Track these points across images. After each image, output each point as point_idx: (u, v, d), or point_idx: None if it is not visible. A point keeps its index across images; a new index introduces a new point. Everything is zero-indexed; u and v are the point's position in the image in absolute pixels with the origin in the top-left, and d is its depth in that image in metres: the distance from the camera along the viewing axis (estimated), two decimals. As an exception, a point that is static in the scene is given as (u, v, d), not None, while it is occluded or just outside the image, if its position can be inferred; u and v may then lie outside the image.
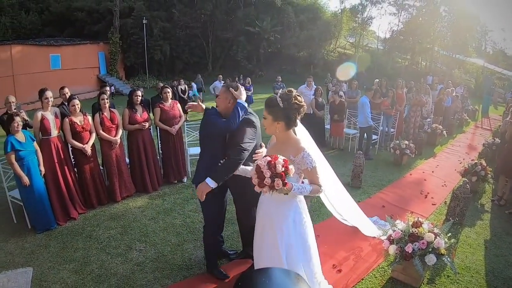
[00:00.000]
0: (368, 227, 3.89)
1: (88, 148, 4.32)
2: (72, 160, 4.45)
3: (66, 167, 4.16)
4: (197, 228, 4.13)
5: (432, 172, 6.70)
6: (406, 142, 7.02)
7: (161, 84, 6.47)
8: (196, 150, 6.21)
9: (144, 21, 21.97)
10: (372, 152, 7.67)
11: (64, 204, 4.13)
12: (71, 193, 4.22)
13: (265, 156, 2.14)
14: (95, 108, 4.78)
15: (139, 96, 4.97)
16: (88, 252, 3.59)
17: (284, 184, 1.97)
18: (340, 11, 30.01)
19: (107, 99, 4.57)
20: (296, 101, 2.22)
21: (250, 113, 2.86)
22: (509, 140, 5.11)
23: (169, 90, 5.44)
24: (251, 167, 2.07)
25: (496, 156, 6.63)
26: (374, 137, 7.79)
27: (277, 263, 2.33)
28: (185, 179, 5.68)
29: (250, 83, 13.06)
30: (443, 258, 3.05)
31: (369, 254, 3.74)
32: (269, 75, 24.74)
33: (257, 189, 2.04)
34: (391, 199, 5.27)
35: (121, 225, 4.16)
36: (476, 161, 5.61)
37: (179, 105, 5.61)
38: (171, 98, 5.46)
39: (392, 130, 8.39)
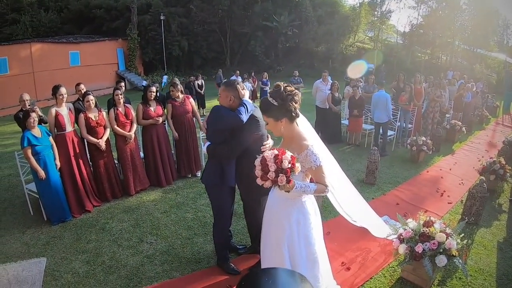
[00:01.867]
0: (378, 228, 3.82)
1: (102, 142, 4.44)
2: (88, 154, 4.59)
3: (81, 161, 4.31)
4: (208, 222, 4.19)
5: (450, 169, 6.49)
6: (423, 138, 6.82)
7: (175, 81, 6.52)
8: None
9: (162, 17, 22.15)
10: (388, 148, 7.51)
11: (79, 197, 4.28)
12: (86, 186, 4.37)
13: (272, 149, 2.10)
14: (110, 103, 4.90)
15: (153, 92, 5.05)
16: (101, 244, 3.72)
17: (288, 181, 1.92)
18: (358, 4, 29.29)
19: (121, 94, 4.67)
20: (287, 92, 2.17)
21: (255, 106, 2.87)
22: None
23: (173, 88, 5.36)
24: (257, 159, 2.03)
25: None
26: (390, 133, 7.62)
27: (279, 262, 2.30)
28: (198, 173, 5.74)
29: (267, 78, 12.99)
30: (454, 260, 2.96)
31: (379, 254, 3.69)
32: (287, 69, 24.54)
33: (258, 181, 1.99)
34: (405, 197, 5.16)
35: (134, 218, 4.28)
36: (495, 159, 5.39)
37: (191, 100, 5.66)
38: (181, 93, 5.46)
39: (409, 126, 8.17)
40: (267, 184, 1.95)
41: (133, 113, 4.91)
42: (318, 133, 2.92)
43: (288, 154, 1.95)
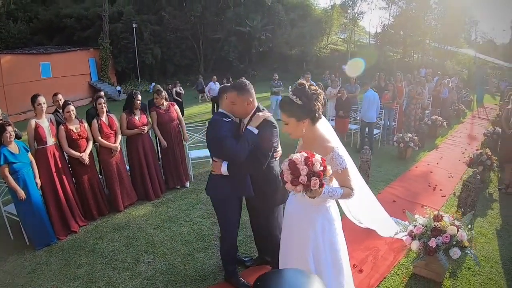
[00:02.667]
0: (384, 227, 3.74)
1: (85, 156, 4.09)
2: (69, 169, 4.22)
3: (64, 177, 3.93)
4: (206, 235, 3.95)
5: (437, 164, 6.62)
6: (410, 135, 6.93)
7: (159, 87, 6.25)
8: (198, 153, 6.04)
9: (134, 25, 21.74)
10: (374, 146, 7.58)
11: (64, 217, 3.90)
12: (70, 205, 3.99)
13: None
14: (90, 114, 4.56)
15: (140, 100, 4.77)
16: (93, 268, 3.37)
17: (321, 185, 1.77)
18: (330, 7, 30.00)
19: (104, 103, 4.35)
20: (312, 91, 2.04)
21: (263, 109, 2.69)
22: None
23: (157, 95, 5.12)
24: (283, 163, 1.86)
25: (499, 145, 6.56)
26: (376, 131, 7.69)
27: (305, 269, 2.17)
28: (187, 184, 5.50)
29: (246, 83, 12.86)
30: (467, 251, 2.97)
31: (387, 252, 3.63)
32: (262, 74, 24.71)
33: (288, 187, 1.83)
34: (400, 194, 5.16)
35: (126, 236, 3.95)
36: (482, 151, 5.53)
37: (176, 107, 5.42)
38: (165, 100, 5.21)
39: (393, 123, 8.31)
40: (299, 189, 1.79)
41: (117, 123, 4.60)
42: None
43: (318, 156, 1.81)
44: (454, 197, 5.08)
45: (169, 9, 24.25)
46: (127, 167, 4.99)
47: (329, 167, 1.83)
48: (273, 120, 2.64)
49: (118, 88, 21.20)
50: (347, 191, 2.03)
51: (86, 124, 4.21)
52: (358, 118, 7.82)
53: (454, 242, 2.94)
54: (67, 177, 3.97)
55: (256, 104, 2.65)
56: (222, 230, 2.97)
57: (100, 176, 4.78)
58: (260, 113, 2.54)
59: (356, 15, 29.60)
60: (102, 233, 4.03)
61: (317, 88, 2.08)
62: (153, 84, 17.23)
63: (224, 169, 2.59)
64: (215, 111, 12.70)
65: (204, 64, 26.34)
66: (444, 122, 8.67)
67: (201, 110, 14.53)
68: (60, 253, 3.66)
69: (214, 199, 2.87)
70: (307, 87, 2.04)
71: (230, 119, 2.67)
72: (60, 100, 4.55)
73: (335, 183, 2.13)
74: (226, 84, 2.73)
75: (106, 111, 4.45)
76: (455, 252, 2.89)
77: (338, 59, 27.30)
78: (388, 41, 27.65)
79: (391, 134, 8.08)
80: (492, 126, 7.72)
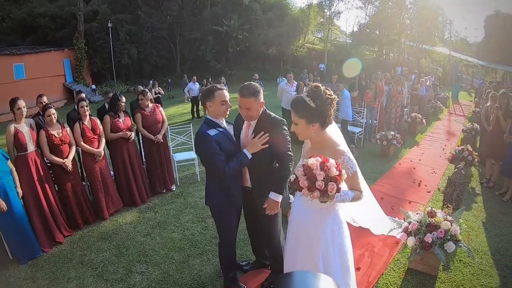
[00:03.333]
0: (378, 226, 3.78)
1: (68, 163, 3.86)
2: (52, 177, 3.97)
3: (47, 186, 3.67)
4: (199, 240, 3.84)
5: (420, 160, 6.80)
6: (392, 132, 7.08)
7: (141, 88, 6.04)
8: (182, 156, 5.89)
9: (110, 25, 21.13)
10: (357, 145, 7.71)
11: (48, 228, 3.65)
12: (54, 214, 3.74)
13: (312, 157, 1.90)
14: (71, 117, 4.32)
15: (124, 101, 4.57)
16: (83, 281, 3.17)
17: (338, 190, 1.75)
18: (307, 6, 30.37)
19: (87, 106, 4.12)
20: (327, 95, 2.01)
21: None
22: (494, 125, 5.26)
23: (143, 96, 4.97)
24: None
25: (479, 141, 6.85)
26: (358, 129, 7.81)
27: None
28: (173, 187, 5.35)
29: (225, 82, 12.76)
30: (460, 244, 3.07)
31: (382, 249, 3.68)
32: (239, 74, 24.69)
33: (305, 193, 1.79)
34: (387, 191, 5.25)
35: (115, 246, 3.76)
36: (463, 147, 5.73)
37: (161, 108, 5.26)
38: (150, 101, 5.07)
39: (374, 122, 8.48)
40: (316, 195, 1.75)
41: (101, 127, 4.38)
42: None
43: (332, 161, 1.79)
44: (438, 192, 5.23)
45: (145, 8, 23.79)
46: (111, 172, 4.78)
47: (343, 171, 1.82)
48: (276, 115, 2.59)
49: (93, 86, 20.47)
50: (357, 194, 2.03)
51: (68, 129, 3.97)
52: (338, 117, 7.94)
53: (449, 237, 3.03)
54: (49, 185, 3.72)
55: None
56: (220, 236, 2.88)
57: (83, 182, 4.55)
58: (257, 140, 2.44)
59: (333, 15, 30.14)
60: (89, 243, 3.82)
61: (332, 93, 2.04)
62: (151, 81, 16.51)
63: (280, 201, 2.56)
64: (195, 111, 12.53)
65: (181, 64, 26.03)
66: (424, 119, 8.96)
67: (179, 111, 14.26)
68: (46, 266, 3.43)
69: (212, 209, 2.81)
70: (322, 90, 2.01)
71: (218, 130, 2.53)
72: (44, 102, 4.27)
73: (343, 186, 2.12)
74: (212, 85, 2.57)
75: (89, 114, 4.22)
76: (450, 246, 2.98)
77: (315, 58, 27.72)
78: (364, 40, 28.36)
79: (373, 133, 8.25)
80: (470, 122, 8.03)
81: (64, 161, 3.82)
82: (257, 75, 13.01)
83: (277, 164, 2.57)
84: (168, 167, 5.29)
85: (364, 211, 3.20)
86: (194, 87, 12.82)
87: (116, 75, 22.27)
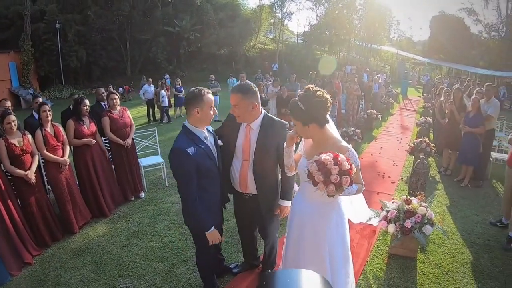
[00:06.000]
0: (358, 215, 3.95)
1: (31, 174, 3.47)
2: (14, 191, 3.52)
3: (10, 202, 3.25)
4: (180, 247, 3.69)
5: (380, 153, 7.24)
6: (353, 128, 7.44)
7: (102, 90, 5.65)
8: (149, 160, 5.64)
9: (57, 25, 19.67)
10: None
11: (15, 249, 3.22)
12: (20, 233, 3.32)
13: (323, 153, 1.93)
14: (29, 124, 3.90)
15: (88, 105, 4.23)
16: (63, 304, 2.89)
17: (351, 183, 1.82)
18: (259, 7, 30.76)
19: (49, 110, 3.74)
20: (316, 98, 2.04)
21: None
22: (450, 117, 5.79)
23: (116, 96, 4.78)
24: (310, 162, 1.85)
25: (435, 133, 7.49)
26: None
27: (320, 266, 2.19)
28: (142, 194, 5.10)
29: (181, 84, 12.46)
30: (436, 227, 3.33)
31: (361, 239, 3.86)
32: (190, 75, 24.45)
33: (321, 187, 1.83)
34: (355, 184, 5.50)
35: (91, 261, 3.46)
36: (421, 139, 6.21)
37: (129, 112, 4.99)
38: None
39: (333, 119, 8.85)
40: (331, 188, 1.79)
41: (64, 134, 4.01)
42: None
43: (342, 156, 1.86)
44: (402, 182, 5.63)
45: (95, 8, 22.65)
46: (77, 182, 4.40)
47: (353, 165, 1.89)
48: (280, 119, 2.57)
49: (31, 90, 18.72)
50: (359, 186, 2.10)
51: (30, 136, 3.56)
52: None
53: (426, 221, 3.28)
54: (12, 201, 3.30)
55: (260, 108, 2.50)
56: (198, 249, 2.71)
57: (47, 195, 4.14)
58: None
59: (284, 16, 30.94)
60: (61, 261, 3.46)
61: (323, 94, 2.07)
62: (167, 75, 14.94)
63: (289, 206, 2.61)
64: (150, 114, 12.04)
65: (131, 66, 25.00)
66: (379, 115, 9.57)
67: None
68: (18, 292, 3.05)
69: (191, 230, 2.64)
70: (312, 93, 2.04)
71: (199, 146, 2.31)
72: (9, 107, 3.78)
73: None
74: (197, 89, 2.39)
75: (51, 120, 3.84)
76: (428, 229, 3.23)
77: (267, 58, 28.21)
78: (315, 40, 29.49)
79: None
80: (422, 116, 8.72)
81: (26, 173, 3.43)
82: (213, 76, 12.85)
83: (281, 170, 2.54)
84: (137, 172, 5.04)
85: (349, 200, 3.35)
86: (149, 90, 12.35)
87: (64, 79, 20.77)
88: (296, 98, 2.09)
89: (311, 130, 2.09)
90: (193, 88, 2.33)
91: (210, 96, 2.34)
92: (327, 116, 2.13)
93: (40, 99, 4.31)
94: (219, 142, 2.56)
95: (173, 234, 3.99)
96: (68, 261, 3.47)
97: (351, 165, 1.84)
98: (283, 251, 2.53)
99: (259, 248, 3.25)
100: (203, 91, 2.29)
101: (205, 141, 2.38)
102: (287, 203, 2.64)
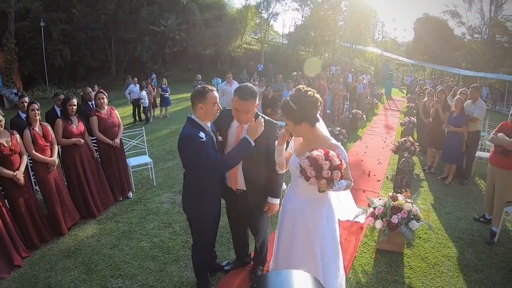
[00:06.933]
0: (346, 212, 4.05)
1: (20, 175, 3.41)
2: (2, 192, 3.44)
3: (-1, 203, 3.20)
4: (170, 246, 3.70)
5: (365, 153, 7.40)
6: (338, 128, 7.58)
7: (89, 89, 5.58)
8: (137, 160, 5.60)
9: (42, 24, 19.07)
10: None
11: (5, 251, 3.15)
12: (11, 234, 3.25)
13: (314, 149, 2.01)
14: (16, 124, 3.82)
15: (75, 105, 4.18)
16: (56, 306, 2.85)
17: (341, 177, 1.90)
18: (244, 7, 30.78)
19: (38, 109, 3.68)
20: (307, 98, 2.12)
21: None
22: (434, 117, 5.99)
23: (104, 95, 4.74)
24: (302, 160, 1.92)
25: (418, 132, 7.71)
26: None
27: (312, 262, 2.27)
28: (130, 194, 5.07)
29: (167, 84, 12.38)
30: (421, 222, 3.45)
31: (348, 235, 3.96)
32: (176, 75, 24.28)
33: (313, 181, 1.91)
34: (341, 183, 5.61)
35: (81, 263, 3.43)
36: (405, 138, 6.39)
37: (116, 111, 4.95)
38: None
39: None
40: (323, 182, 1.87)
41: (52, 133, 3.95)
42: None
43: (332, 152, 1.95)
44: (387, 180, 5.79)
45: (80, 6, 22.09)
46: (65, 183, 4.34)
47: (343, 161, 1.98)
48: (269, 118, 2.60)
49: (14, 90, 18.17)
50: (348, 182, 2.19)
51: (18, 136, 3.49)
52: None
53: (412, 216, 3.40)
54: (1, 202, 3.24)
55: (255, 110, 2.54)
56: (195, 241, 2.77)
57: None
58: (257, 123, 2.38)
59: (270, 16, 31.08)
60: (51, 263, 3.41)
61: (314, 94, 2.14)
62: (154, 75, 14.17)
63: (278, 203, 2.65)
64: (136, 114, 11.89)
65: (116, 66, 24.61)
66: (364, 115, 9.77)
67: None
68: (8, 295, 2.99)
69: (190, 220, 2.73)
70: (303, 93, 2.11)
71: (206, 134, 2.42)
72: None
73: None
74: (203, 86, 2.48)
75: (40, 120, 3.77)
76: (414, 224, 3.35)
77: (252, 58, 28.25)
78: (300, 41, 29.74)
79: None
80: (406, 116, 8.96)
81: (15, 174, 3.37)
82: (199, 76, 12.80)
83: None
84: (125, 173, 5.00)
85: (336, 198, 3.44)
86: (135, 89, 12.16)
87: (49, 79, 20.21)
88: (288, 98, 2.15)
89: (303, 129, 2.16)
90: (199, 86, 2.49)
91: (214, 93, 2.43)
92: (318, 115, 2.21)
93: (27, 99, 4.22)
94: (219, 138, 2.60)
95: (163, 233, 3.99)
96: (58, 262, 3.43)
97: (341, 161, 1.93)
98: (274, 247, 2.60)
99: (250, 245, 3.29)
100: (207, 88, 2.42)
101: (210, 133, 2.48)
102: (276, 201, 2.67)
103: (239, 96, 2.32)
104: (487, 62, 26.76)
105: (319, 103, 2.17)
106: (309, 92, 2.14)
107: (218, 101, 2.46)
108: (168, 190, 5.31)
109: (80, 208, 4.32)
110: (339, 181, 1.94)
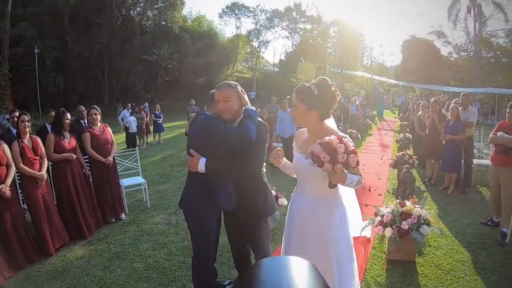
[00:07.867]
0: (353, 226, 3.88)
1: (6, 188, 3.19)
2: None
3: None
4: (166, 267, 3.44)
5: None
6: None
7: (82, 108, 5.46)
8: (130, 181, 5.38)
9: (36, 50, 19.29)
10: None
11: None
12: None
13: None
14: (6, 138, 3.65)
15: (69, 119, 4.05)
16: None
17: (357, 163, 1.78)
18: (236, 36, 31.68)
19: (28, 121, 3.52)
20: (331, 89, 2.04)
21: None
22: (431, 128, 6.00)
23: (97, 111, 4.61)
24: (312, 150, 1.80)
25: (413, 147, 7.73)
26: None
27: (327, 268, 2.06)
28: (123, 216, 4.81)
29: (160, 110, 12.38)
30: (432, 227, 3.33)
31: (357, 247, 3.71)
32: (168, 104, 24.37)
33: (327, 167, 1.76)
34: (343, 199, 5.49)
35: (69, 284, 3.13)
36: (403, 152, 6.36)
37: (109, 128, 4.81)
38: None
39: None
40: (338, 167, 1.74)
41: (42, 147, 3.77)
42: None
43: (346, 138, 1.86)
44: (389, 194, 5.68)
45: (73, 35, 22.46)
46: (54, 201, 4.10)
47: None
48: (259, 119, 2.50)
49: (7, 115, 17.92)
50: (359, 178, 2.05)
51: (5, 146, 3.31)
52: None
53: (422, 221, 3.27)
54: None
55: (241, 111, 2.47)
56: (195, 251, 2.57)
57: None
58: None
59: (261, 44, 31.98)
60: (37, 284, 3.12)
61: (337, 90, 2.07)
62: (146, 103, 14.05)
63: (201, 166, 2.29)
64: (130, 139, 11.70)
65: (109, 94, 24.68)
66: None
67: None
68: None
69: (187, 213, 2.53)
70: (327, 84, 2.03)
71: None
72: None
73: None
74: (211, 92, 2.48)
75: (30, 132, 3.61)
76: (425, 229, 3.21)
77: (244, 86, 28.58)
78: (290, 68, 30.48)
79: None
80: (403, 133, 9.01)
81: (1, 187, 3.15)
82: (193, 100, 12.86)
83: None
84: (117, 193, 4.77)
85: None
86: (127, 115, 12.08)
87: (41, 105, 20.01)
88: (309, 83, 2.05)
89: (311, 117, 2.04)
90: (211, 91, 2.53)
91: (215, 91, 2.42)
92: (330, 112, 2.11)
93: (17, 113, 4.08)
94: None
95: (158, 254, 3.74)
96: (44, 284, 3.14)
97: (355, 147, 1.81)
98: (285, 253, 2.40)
99: (252, 260, 3.08)
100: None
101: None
102: (202, 161, 2.32)
103: (216, 88, 2.39)
104: (475, 78, 27.20)
105: (336, 101, 2.09)
106: (333, 87, 2.06)
107: (218, 98, 2.38)
108: (163, 211, 5.06)
109: (69, 229, 4.06)
110: (356, 165, 1.81)
